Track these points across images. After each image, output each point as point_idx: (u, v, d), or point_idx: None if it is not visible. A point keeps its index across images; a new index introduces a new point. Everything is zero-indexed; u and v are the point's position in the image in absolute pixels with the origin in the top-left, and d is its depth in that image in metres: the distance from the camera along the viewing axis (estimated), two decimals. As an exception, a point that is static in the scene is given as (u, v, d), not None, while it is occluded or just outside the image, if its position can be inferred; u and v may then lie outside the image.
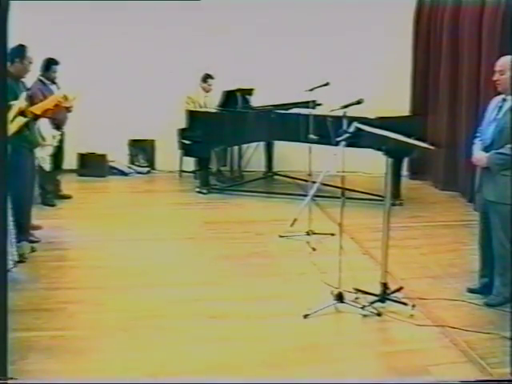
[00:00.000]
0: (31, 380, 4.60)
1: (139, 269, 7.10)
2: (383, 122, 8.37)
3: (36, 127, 7.41)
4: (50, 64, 9.64)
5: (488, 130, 6.12)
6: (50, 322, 5.64)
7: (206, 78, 11.81)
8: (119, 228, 8.70)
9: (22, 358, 4.96)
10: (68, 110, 9.40)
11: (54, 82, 9.65)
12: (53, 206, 9.65)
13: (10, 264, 6.06)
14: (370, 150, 7.03)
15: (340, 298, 5.99)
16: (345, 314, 5.94)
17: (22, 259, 7.01)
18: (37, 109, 7.42)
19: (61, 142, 9.47)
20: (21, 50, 7.30)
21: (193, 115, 11.09)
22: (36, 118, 7.35)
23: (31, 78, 8.45)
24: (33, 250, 7.42)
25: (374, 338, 5.64)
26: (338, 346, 5.39)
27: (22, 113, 6.57)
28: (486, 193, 6.14)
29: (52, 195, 9.79)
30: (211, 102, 11.71)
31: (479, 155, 6.14)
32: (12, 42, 7.32)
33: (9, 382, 4.05)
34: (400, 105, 11.56)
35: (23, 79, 7.48)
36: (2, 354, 3.72)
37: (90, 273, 6.99)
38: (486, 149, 6.06)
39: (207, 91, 11.87)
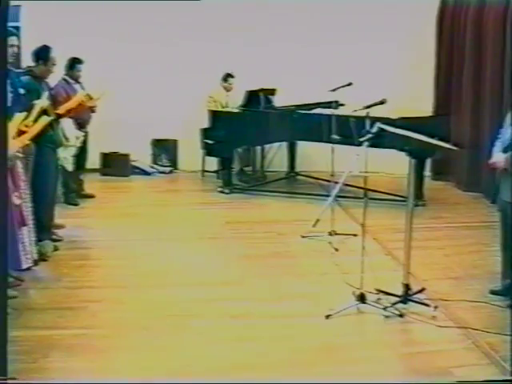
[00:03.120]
0: (31, 380, 4.60)
1: (161, 268, 7.12)
2: (406, 123, 8.33)
3: (60, 127, 7.45)
4: (74, 63, 9.68)
5: (507, 131, 6.09)
6: (72, 321, 5.66)
7: (227, 77, 11.83)
8: (141, 227, 8.72)
9: (44, 356, 4.99)
10: (92, 109, 9.46)
11: (78, 82, 9.69)
12: (76, 205, 9.68)
13: (30, 262, 6.09)
14: (393, 150, 7.01)
15: (362, 298, 5.97)
16: (367, 314, 5.93)
17: (44, 258, 7.05)
18: (61, 109, 7.46)
19: (84, 142, 9.51)
20: (45, 51, 7.34)
21: (215, 115, 11.10)
22: (59, 117, 7.38)
23: (55, 77, 8.50)
24: (55, 248, 7.45)
25: (396, 339, 5.63)
26: (359, 346, 5.39)
27: (44, 112, 6.60)
28: (504, 193, 6.11)
29: (75, 194, 9.82)
30: (233, 102, 11.72)
31: (497, 157, 6.10)
32: (38, 42, 7.40)
33: (9, 381, 4.05)
34: (423, 105, 11.52)
35: (46, 79, 7.53)
36: (2, 354, 3.72)
37: (112, 272, 7.02)
38: (505, 150, 6.02)
39: (228, 90, 11.88)
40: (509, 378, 4.73)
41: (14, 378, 4.35)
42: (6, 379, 3.87)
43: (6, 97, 4.12)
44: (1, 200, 3.72)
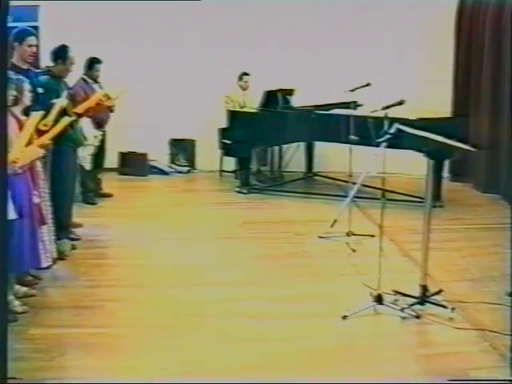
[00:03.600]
0: (32, 380, 4.61)
1: (178, 267, 7.14)
2: (424, 123, 8.30)
3: (79, 127, 7.47)
4: (92, 63, 9.73)
5: None
6: (89, 319, 5.69)
7: (242, 75, 11.82)
8: (159, 227, 8.75)
9: (61, 354, 5.03)
10: (110, 109, 9.47)
11: (96, 81, 9.73)
12: (93, 204, 9.72)
13: (49, 261, 6.11)
14: (411, 151, 6.98)
15: (379, 299, 5.96)
16: (384, 315, 5.91)
17: (62, 256, 7.08)
18: (79, 108, 7.48)
19: (102, 141, 9.56)
20: (63, 50, 7.37)
21: (233, 115, 11.11)
22: (78, 116, 7.40)
23: (74, 77, 8.54)
24: (73, 247, 7.49)
25: (413, 340, 5.62)
26: (376, 347, 5.37)
27: (64, 111, 6.61)
28: None
29: (93, 193, 9.86)
30: (250, 100, 11.72)
31: None
32: (56, 42, 7.44)
33: (9, 381, 4.06)
34: (441, 106, 11.46)
35: (65, 79, 7.56)
36: (2, 354, 3.73)
37: (129, 271, 7.04)
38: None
39: (245, 89, 11.87)
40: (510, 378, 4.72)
41: (14, 378, 4.36)
42: (5, 379, 3.87)
43: (6, 97, 4.13)
44: (1, 200, 3.72)
